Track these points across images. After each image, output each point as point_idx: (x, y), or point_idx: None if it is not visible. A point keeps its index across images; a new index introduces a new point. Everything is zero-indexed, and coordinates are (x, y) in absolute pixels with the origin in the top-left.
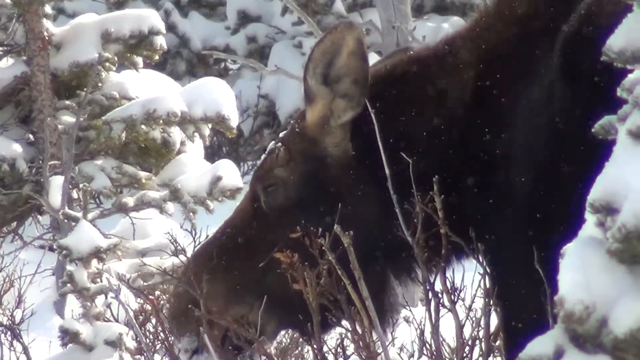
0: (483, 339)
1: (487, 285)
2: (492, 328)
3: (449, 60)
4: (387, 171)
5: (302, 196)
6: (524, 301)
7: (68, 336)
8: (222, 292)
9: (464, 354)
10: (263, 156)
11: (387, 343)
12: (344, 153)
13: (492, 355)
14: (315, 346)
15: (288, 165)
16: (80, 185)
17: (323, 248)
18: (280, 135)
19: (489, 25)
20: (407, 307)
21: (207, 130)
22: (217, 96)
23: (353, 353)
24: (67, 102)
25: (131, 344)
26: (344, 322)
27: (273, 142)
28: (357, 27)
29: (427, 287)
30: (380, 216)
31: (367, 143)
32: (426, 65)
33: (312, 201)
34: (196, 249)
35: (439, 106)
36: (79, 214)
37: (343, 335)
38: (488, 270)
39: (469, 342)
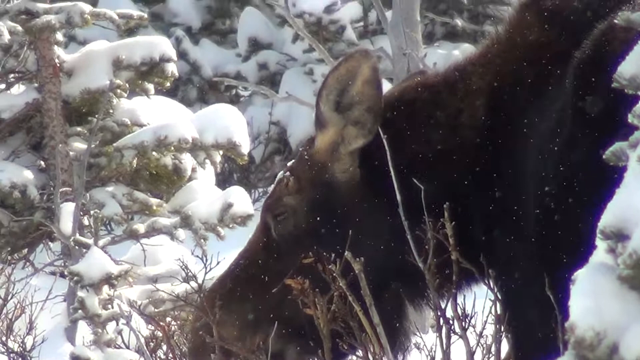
0: None
1: (498, 312)
2: (503, 354)
3: (459, 86)
4: (398, 197)
5: (312, 223)
6: (535, 327)
7: None
8: (238, 323)
9: None
10: (273, 185)
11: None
12: (351, 179)
13: None
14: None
15: (297, 193)
16: (91, 212)
17: (334, 274)
18: (289, 164)
19: (500, 52)
20: (418, 334)
21: (218, 156)
22: (228, 123)
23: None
24: (79, 128)
25: None
26: (356, 349)
27: (282, 171)
28: (372, 56)
29: (439, 314)
30: (390, 242)
31: (375, 169)
32: (436, 92)
33: (322, 228)
34: (213, 282)
35: (449, 132)
36: (90, 241)
37: None
38: (499, 297)
39: None
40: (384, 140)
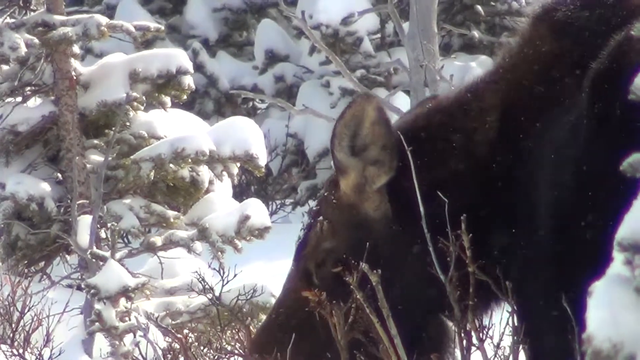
0: None
1: (515, 323)
2: None
3: (473, 106)
4: (421, 210)
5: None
6: (551, 340)
7: None
8: None
9: None
10: (302, 230)
11: None
12: (384, 215)
13: None
14: None
15: (334, 237)
16: (109, 225)
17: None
18: (314, 207)
19: (512, 66)
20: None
21: (235, 169)
22: (245, 135)
23: None
24: (96, 141)
25: None
26: None
27: (308, 217)
28: (374, 97)
29: (460, 325)
30: (422, 269)
31: (405, 201)
32: (450, 114)
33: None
34: (254, 334)
35: (465, 153)
36: (107, 254)
37: None
38: (515, 308)
39: None
40: (410, 160)
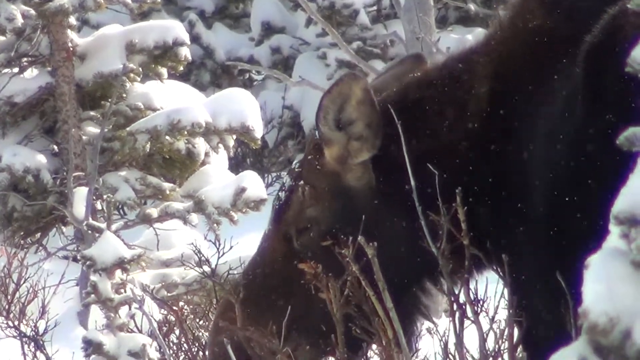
0: (506, 351)
1: (510, 297)
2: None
3: (464, 78)
4: (412, 182)
5: (335, 232)
6: (546, 313)
7: (91, 347)
8: (265, 334)
9: None
10: (284, 193)
11: (410, 354)
12: (367, 184)
13: None
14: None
15: (317, 203)
16: (104, 197)
17: (348, 260)
18: (295, 167)
19: (503, 39)
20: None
21: (231, 141)
22: (241, 107)
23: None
24: (92, 112)
25: (155, 355)
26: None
27: (289, 180)
28: (362, 77)
29: (452, 299)
30: (411, 239)
31: (389, 173)
32: (442, 87)
33: (346, 235)
34: (228, 295)
35: (456, 125)
36: (103, 225)
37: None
38: (509, 282)
39: (492, 354)
40: (401, 133)
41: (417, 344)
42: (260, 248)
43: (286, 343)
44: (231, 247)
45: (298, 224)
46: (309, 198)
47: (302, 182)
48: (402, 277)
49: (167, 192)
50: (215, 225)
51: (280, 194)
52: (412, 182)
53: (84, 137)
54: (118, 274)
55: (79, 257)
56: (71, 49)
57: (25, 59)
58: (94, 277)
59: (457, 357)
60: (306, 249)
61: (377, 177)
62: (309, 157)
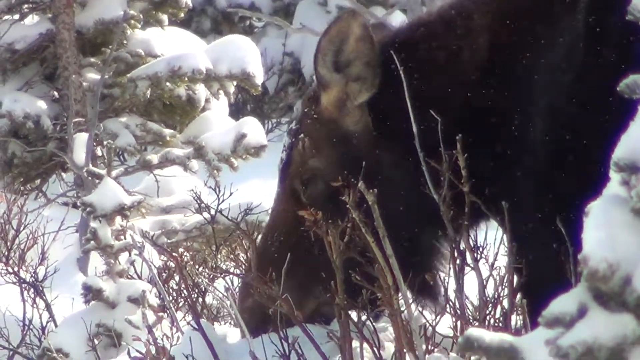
0: (506, 297)
1: (510, 243)
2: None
3: (458, 24)
4: (414, 129)
5: (338, 180)
6: (546, 260)
7: (91, 293)
8: (291, 295)
9: (487, 312)
10: (284, 151)
11: (410, 301)
12: (365, 128)
13: (515, 313)
14: (338, 303)
15: (318, 153)
16: (105, 143)
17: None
18: (293, 126)
19: None
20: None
21: (231, 87)
22: (242, 54)
23: (377, 310)
24: (92, 59)
25: (154, 301)
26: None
27: (287, 136)
28: (360, 14)
29: (454, 245)
30: (410, 183)
31: (385, 118)
32: (433, 31)
33: (348, 182)
34: (250, 259)
35: (450, 71)
36: (103, 171)
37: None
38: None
39: (492, 300)
40: (402, 76)
41: (441, 295)
42: (272, 212)
43: (311, 300)
44: (231, 194)
45: (302, 176)
46: (309, 149)
47: (300, 135)
48: (405, 221)
49: (168, 138)
50: (215, 171)
51: (282, 155)
52: (414, 128)
53: (84, 84)
54: (118, 220)
55: (78, 204)
56: None
57: (25, 5)
58: (93, 224)
59: (456, 303)
60: (314, 202)
61: (373, 121)
62: (305, 109)
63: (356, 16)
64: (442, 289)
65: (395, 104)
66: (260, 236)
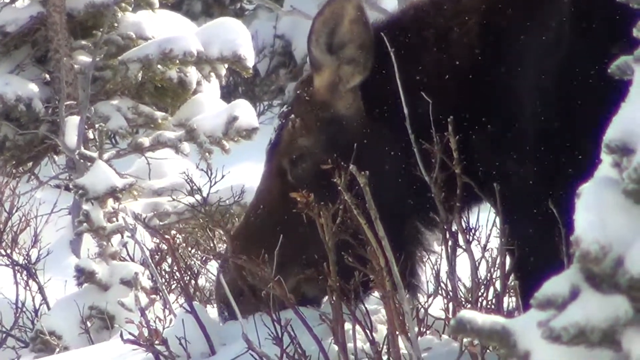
0: (498, 279)
1: (502, 225)
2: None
3: (448, 6)
4: (405, 111)
5: (327, 161)
6: (538, 241)
7: (84, 275)
8: (270, 270)
9: (479, 294)
10: (274, 131)
11: (417, 285)
12: (357, 112)
13: (507, 295)
14: (330, 285)
15: (309, 133)
16: (96, 125)
17: (340, 188)
18: (285, 108)
19: None
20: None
21: (223, 70)
22: (233, 36)
23: (370, 292)
24: (83, 42)
25: (147, 283)
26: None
27: (279, 117)
28: None
29: (445, 227)
30: (402, 166)
31: (377, 101)
32: (423, 12)
33: (338, 164)
34: (232, 233)
35: (439, 53)
36: (95, 154)
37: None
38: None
39: (484, 282)
40: (394, 60)
41: (420, 275)
42: (258, 190)
43: (290, 278)
44: (223, 176)
45: (290, 154)
46: (299, 129)
47: (292, 115)
48: (396, 206)
49: (159, 121)
50: (207, 154)
51: (271, 137)
52: (405, 110)
53: (75, 67)
54: (110, 202)
55: (71, 186)
56: None
57: None
58: (86, 206)
59: (449, 285)
60: (301, 181)
61: (365, 105)
62: (298, 92)
63: None
64: (422, 279)
65: (387, 87)
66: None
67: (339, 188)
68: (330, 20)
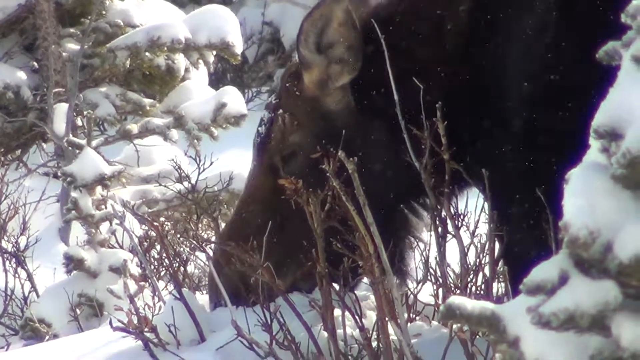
0: (487, 265)
1: (491, 211)
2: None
3: None
4: (395, 97)
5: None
6: (527, 227)
7: (73, 263)
8: (266, 267)
9: (469, 280)
10: (264, 126)
11: (405, 271)
12: (346, 107)
13: (496, 280)
14: (319, 271)
15: (300, 130)
16: (85, 113)
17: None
18: (273, 101)
19: None
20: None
21: (211, 57)
22: (221, 23)
23: (359, 278)
24: (72, 29)
25: (136, 270)
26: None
27: (266, 112)
28: (343, 0)
29: (435, 213)
30: (392, 156)
31: (368, 92)
32: (415, 2)
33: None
34: (222, 231)
35: (433, 42)
36: (83, 142)
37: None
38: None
39: (473, 268)
40: (385, 50)
41: (408, 261)
42: (248, 186)
43: (288, 277)
44: (211, 163)
45: (282, 152)
46: (289, 125)
47: (280, 110)
48: (386, 194)
49: (147, 108)
50: (195, 141)
51: (259, 128)
52: (395, 96)
53: (63, 54)
54: (99, 190)
55: (59, 174)
56: None
57: None
58: (74, 194)
59: (438, 271)
60: (293, 177)
61: (356, 100)
62: (287, 84)
63: (339, 1)
64: (412, 265)
65: (377, 80)
66: (233, 210)
67: (328, 174)
68: (319, 22)
